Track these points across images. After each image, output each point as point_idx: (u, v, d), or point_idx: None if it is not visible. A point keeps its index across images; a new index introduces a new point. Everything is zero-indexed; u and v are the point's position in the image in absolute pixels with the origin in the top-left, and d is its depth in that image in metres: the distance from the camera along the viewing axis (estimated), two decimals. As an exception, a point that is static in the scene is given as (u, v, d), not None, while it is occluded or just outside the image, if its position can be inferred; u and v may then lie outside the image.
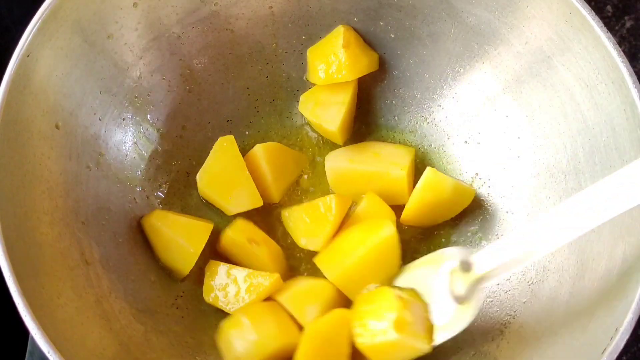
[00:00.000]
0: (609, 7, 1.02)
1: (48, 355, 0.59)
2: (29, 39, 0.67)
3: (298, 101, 0.88)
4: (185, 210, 0.84)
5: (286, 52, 0.87)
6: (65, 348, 0.60)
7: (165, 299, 0.77)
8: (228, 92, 0.87)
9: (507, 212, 0.81)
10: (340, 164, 0.84)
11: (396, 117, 0.89)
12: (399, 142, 0.88)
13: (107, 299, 0.71)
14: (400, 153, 0.85)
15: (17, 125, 0.66)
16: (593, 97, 0.71)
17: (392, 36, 0.85)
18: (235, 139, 0.83)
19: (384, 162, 0.83)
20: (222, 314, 0.77)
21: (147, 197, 0.82)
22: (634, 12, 1.02)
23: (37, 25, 0.67)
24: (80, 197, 0.73)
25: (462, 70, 0.83)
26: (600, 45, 0.68)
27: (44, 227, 0.67)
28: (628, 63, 0.67)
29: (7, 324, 0.71)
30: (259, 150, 0.83)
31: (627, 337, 0.59)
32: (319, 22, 0.85)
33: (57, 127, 0.71)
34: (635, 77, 0.67)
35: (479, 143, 0.84)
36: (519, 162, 0.80)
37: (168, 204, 0.83)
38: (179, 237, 0.77)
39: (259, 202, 0.81)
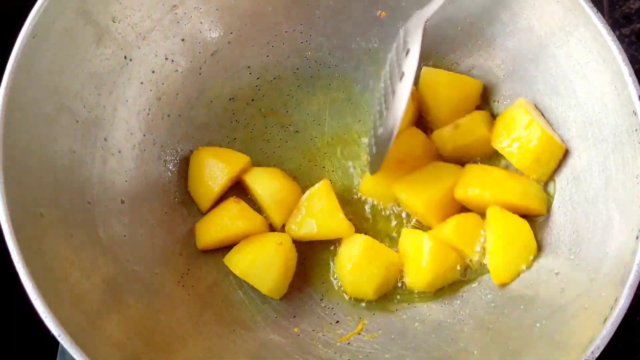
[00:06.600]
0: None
1: (59, 339, 0.60)
2: (34, 20, 0.67)
3: (299, 79, 0.90)
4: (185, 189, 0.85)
5: (286, 31, 0.88)
6: (74, 330, 0.61)
7: (170, 277, 0.78)
8: (230, 71, 0.88)
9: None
10: None
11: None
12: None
13: (115, 280, 0.71)
14: None
15: (23, 107, 0.67)
16: (585, 76, 0.73)
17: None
18: (237, 115, 0.87)
19: None
20: (226, 289, 0.79)
21: (152, 176, 0.82)
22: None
23: (42, 7, 0.68)
24: (86, 177, 0.74)
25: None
26: (590, 24, 0.70)
27: (50, 209, 0.68)
28: (618, 42, 0.69)
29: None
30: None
31: (627, 306, 0.60)
32: (319, 2, 0.87)
33: (62, 108, 0.71)
34: (625, 55, 0.69)
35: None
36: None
37: (173, 183, 0.84)
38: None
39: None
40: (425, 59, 0.87)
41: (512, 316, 0.72)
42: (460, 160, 0.83)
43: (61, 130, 0.71)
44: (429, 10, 0.73)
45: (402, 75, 0.72)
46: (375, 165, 0.80)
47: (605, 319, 0.60)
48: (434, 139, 0.84)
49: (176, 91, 0.85)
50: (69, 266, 0.67)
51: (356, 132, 0.89)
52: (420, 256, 0.78)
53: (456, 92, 0.84)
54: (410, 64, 0.71)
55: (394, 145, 0.75)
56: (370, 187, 0.84)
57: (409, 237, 0.80)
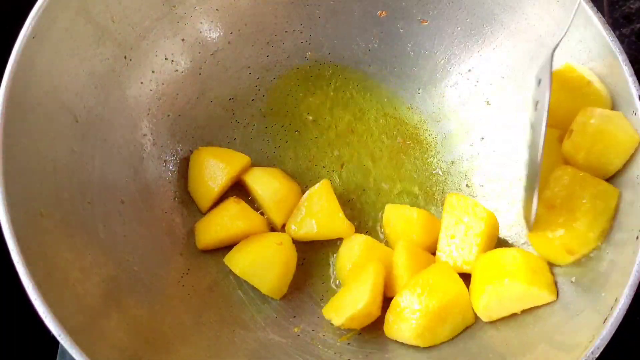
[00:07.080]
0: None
1: (59, 339, 0.60)
2: (34, 20, 0.67)
3: (298, 79, 0.90)
4: (185, 189, 0.85)
5: (286, 31, 0.88)
6: (74, 331, 0.61)
7: (170, 277, 0.78)
8: (230, 71, 0.88)
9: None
10: None
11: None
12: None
13: (115, 280, 0.71)
14: None
15: (24, 107, 0.67)
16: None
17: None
18: (237, 115, 0.86)
19: None
20: (226, 289, 0.79)
21: (152, 177, 0.82)
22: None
23: (42, 7, 0.68)
24: (86, 177, 0.74)
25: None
26: (590, 24, 0.71)
27: (50, 209, 0.68)
28: (618, 42, 0.69)
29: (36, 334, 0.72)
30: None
31: (627, 306, 0.60)
32: (319, 2, 0.87)
33: (62, 108, 0.71)
34: (625, 55, 0.69)
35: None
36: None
37: (173, 183, 0.84)
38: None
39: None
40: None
41: (512, 316, 0.72)
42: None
43: (61, 130, 0.71)
44: (554, 40, 0.71)
45: (536, 104, 0.71)
46: (528, 213, 0.71)
47: (605, 319, 0.61)
48: (565, 160, 0.74)
49: (176, 91, 0.85)
50: (69, 266, 0.67)
51: (356, 132, 0.89)
52: (411, 229, 0.79)
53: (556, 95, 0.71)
54: (542, 92, 0.69)
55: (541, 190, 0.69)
56: (538, 244, 0.73)
57: (395, 212, 0.82)
